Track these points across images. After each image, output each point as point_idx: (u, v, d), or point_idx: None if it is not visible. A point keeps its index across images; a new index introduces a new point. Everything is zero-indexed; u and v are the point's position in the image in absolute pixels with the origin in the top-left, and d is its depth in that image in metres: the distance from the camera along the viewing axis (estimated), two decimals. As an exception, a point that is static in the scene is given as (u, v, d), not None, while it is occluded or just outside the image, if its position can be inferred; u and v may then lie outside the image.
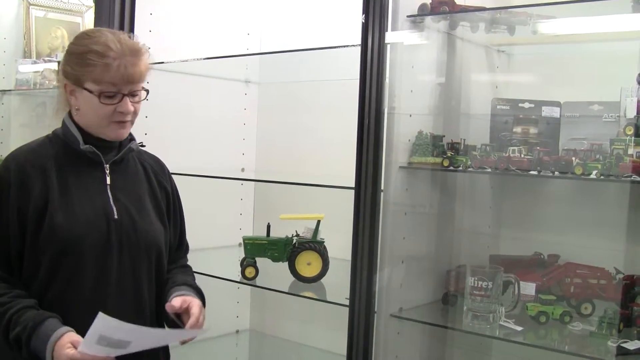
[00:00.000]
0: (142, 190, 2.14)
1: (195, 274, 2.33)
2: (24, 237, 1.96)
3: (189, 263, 2.35)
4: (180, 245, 2.29)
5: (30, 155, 2.04)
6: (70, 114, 2.07)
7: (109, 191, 2.05)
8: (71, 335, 1.85)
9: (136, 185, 2.14)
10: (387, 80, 2.34)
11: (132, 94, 2.00)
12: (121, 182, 2.09)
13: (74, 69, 1.99)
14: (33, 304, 1.92)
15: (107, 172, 2.07)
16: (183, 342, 2.03)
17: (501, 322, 2.38)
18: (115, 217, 2.03)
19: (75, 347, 1.81)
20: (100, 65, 1.93)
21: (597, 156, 2.23)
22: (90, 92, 1.97)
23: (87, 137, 2.05)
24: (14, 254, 1.97)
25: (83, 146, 2.03)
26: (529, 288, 2.44)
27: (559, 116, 2.50)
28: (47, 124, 3.76)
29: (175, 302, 2.01)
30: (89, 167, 2.05)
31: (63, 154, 2.04)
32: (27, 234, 1.95)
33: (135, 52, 1.97)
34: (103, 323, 1.75)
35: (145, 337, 1.88)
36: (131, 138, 2.15)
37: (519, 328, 2.35)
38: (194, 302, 2.04)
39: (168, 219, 2.20)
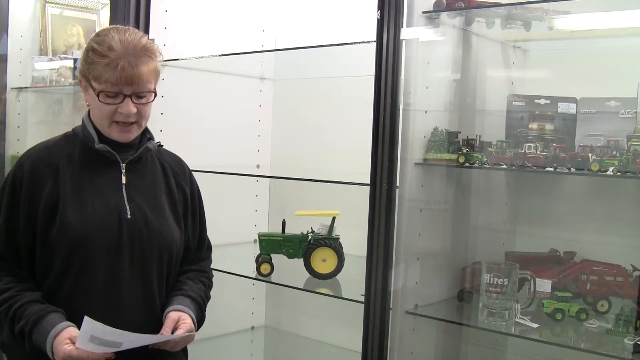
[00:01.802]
0: (159, 190, 2.15)
1: (212, 270, 2.35)
2: (35, 234, 1.98)
3: (211, 263, 2.36)
4: (200, 246, 2.30)
5: (45, 153, 2.05)
6: (89, 113, 2.08)
7: (123, 190, 2.06)
8: (70, 331, 1.88)
9: (153, 185, 2.14)
10: (402, 76, 2.33)
11: (137, 96, 2.00)
12: (137, 181, 2.10)
13: (82, 65, 2.02)
14: (38, 298, 1.95)
15: (123, 171, 2.08)
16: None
17: (517, 319, 2.38)
18: (128, 216, 2.03)
19: (73, 343, 1.84)
20: (102, 64, 1.94)
21: (614, 153, 2.21)
22: (94, 89, 1.98)
23: (104, 136, 2.06)
24: (24, 249, 1.99)
25: (98, 145, 2.04)
26: (544, 285, 2.43)
27: (575, 112, 2.49)
28: (63, 121, 3.82)
29: (167, 324, 2.02)
30: (104, 166, 2.06)
31: (79, 152, 2.06)
32: (38, 231, 1.97)
33: (139, 54, 1.97)
34: (90, 325, 1.80)
35: (131, 339, 1.89)
36: (150, 137, 2.16)
37: (535, 325, 2.34)
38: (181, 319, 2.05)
39: (185, 220, 2.20)
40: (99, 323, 1.81)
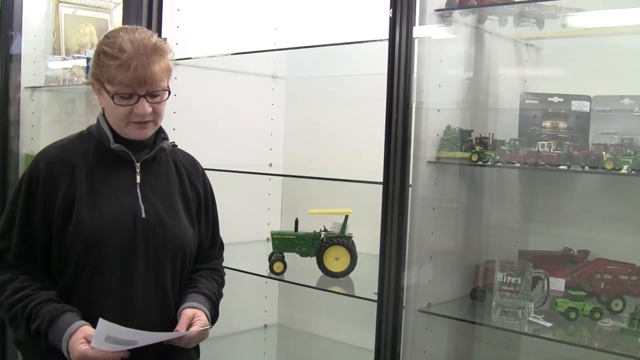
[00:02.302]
0: (173, 190, 2.15)
1: (224, 268, 2.35)
2: (50, 233, 1.98)
3: (224, 262, 2.37)
4: (213, 245, 2.31)
5: (60, 151, 2.06)
6: (104, 113, 2.09)
7: (138, 190, 2.07)
8: (85, 330, 1.88)
9: (167, 184, 2.15)
10: (414, 74, 2.33)
11: (151, 95, 2.00)
12: (151, 181, 2.11)
13: (95, 68, 2.02)
14: (54, 297, 1.96)
15: (138, 171, 2.08)
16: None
17: (530, 318, 2.37)
18: (143, 215, 2.04)
19: (88, 342, 1.84)
20: (113, 67, 1.94)
21: (628, 151, 2.20)
22: (108, 92, 1.98)
23: (119, 135, 2.06)
24: (40, 248, 2.00)
25: (113, 144, 2.04)
26: (558, 284, 2.43)
27: (588, 110, 2.47)
28: (77, 120, 3.83)
29: (182, 321, 2.03)
30: (119, 166, 2.07)
31: (94, 152, 2.06)
32: (54, 230, 1.98)
33: (150, 53, 1.97)
34: (105, 326, 1.80)
35: (146, 336, 1.90)
36: (164, 137, 2.16)
37: (549, 324, 2.34)
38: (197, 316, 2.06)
39: (199, 219, 2.21)
40: (114, 324, 1.81)
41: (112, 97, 1.97)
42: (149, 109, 1.99)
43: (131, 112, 1.99)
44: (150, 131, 2.07)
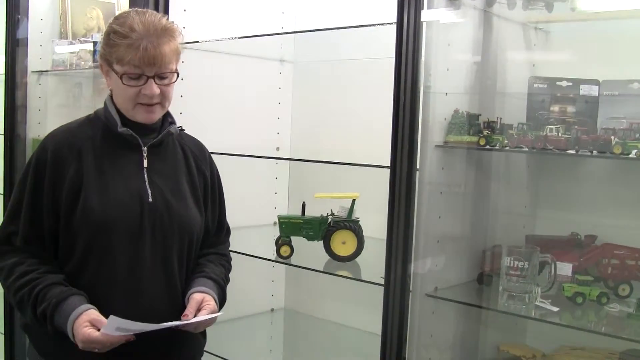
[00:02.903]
0: (180, 174, 2.15)
1: (231, 253, 2.36)
2: (58, 217, 1.99)
3: (230, 246, 2.37)
4: (219, 230, 2.31)
5: (68, 135, 2.06)
6: (111, 96, 2.09)
7: (145, 174, 2.07)
8: (90, 314, 1.89)
9: (174, 168, 2.15)
10: (422, 58, 2.32)
11: (159, 77, 1.99)
12: (159, 165, 2.11)
13: (104, 49, 2.01)
14: (60, 280, 1.96)
15: (145, 155, 2.08)
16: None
17: (537, 303, 2.37)
18: (150, 200, 2.04)
19: (93, 325, 1.85)
20: (123, 46, 1.94)
21: (637, 135, 2.19)
22: (116, 73, 1.98)
23: (127, 119, 2.06)
24: (48, 232, 2.00)
25: (121, 128, 2.04)
26: (565, 269, 2.43)
27: (597, 94, 2.46)
28: (84, 104, 3.83)
29: (191, 306, 2.03)
30: (126, 150, 2.07)
31: (101, 136, 2.06)
32: (62, 214, 1.98)
33: (160, 34, 1.96)
34: (115, 322, 1.81)
35: (156, 327, 1.91)
36: (172, 121, 2.16)
37: (555, 309, 2.34)
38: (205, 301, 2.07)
39: (205, 204, 2.21)
40: (125, 319, 1.82)
41: (121, 78, 1.97)
42: (156, 91, 1.98)
43: (139, 93, 1.98)
44: (157, 114, 2.07)
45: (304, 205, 2.96)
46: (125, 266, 2.00)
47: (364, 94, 3.18)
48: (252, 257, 2.93)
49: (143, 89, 1.98)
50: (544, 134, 2.34)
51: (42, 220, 2.00)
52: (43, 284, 1.94)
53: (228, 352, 3.05)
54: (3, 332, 3.82)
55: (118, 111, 2.07)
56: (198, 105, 3.11)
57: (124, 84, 1.97)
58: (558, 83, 2.53)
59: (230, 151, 2.96)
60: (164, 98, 2.03)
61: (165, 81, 2.01)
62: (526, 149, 2.39)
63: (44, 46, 3.89)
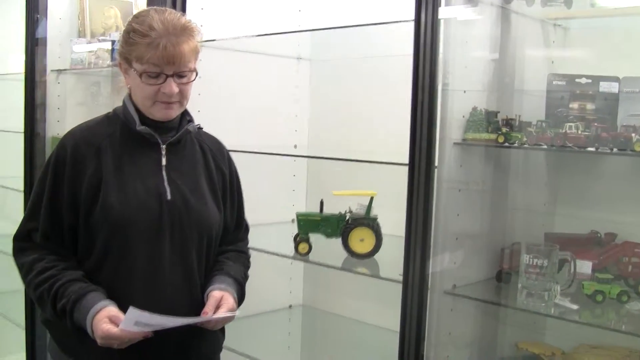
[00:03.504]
0: (199, 172, 2.16)
1: (249, 250, 2.36)
2: (77, 214, 2.00)
3: (249, 244, 2.38)
4: (238, 227, 2.32)
5: (87, 133, 2.07)
6: (130, 95, 2.10)
7: (164, 172, 2.08)
8: (109, 310, 1.90)
9: (192, 167, 2.15)
10: (440, 56, 2.31)
11: (178, 75, 2.00)
12: (177, 163, 2.11)
13: (123, 47, 2.02)
14: (79, 277, 1.98)
15: (164, 153, 2.09)
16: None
17: (556, 301, 2.36)
18: (169, 198, 2.05)
19: (112, 322, 1.86)
20: (143, 45, 1.95)
21: (658, 133, 2.18)
22: (135, 71, 1.99)
23: (145, 117, 2.07)
24: (68, 229, 2.02)
25: (139, 127, 2.05)
26: (585, 266, 2.41)
27: (617, 91, 2.44)
28: (102, 103, 3.85)
29: (210, 303, 2.04)
30: (145, 148, 2.08)
31: (120, 134, 2.07)
32: (81, 212, 1.99)
33: (179, 33, 1.97)
34: (135, 314, 1.82)
35: (175, 321, 1.91)
36: (190, 119, 2.17)
37: (575, 307, 2.32)
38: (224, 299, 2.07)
39: (224, 202, 2.21)
40: (144, 311, 1.83)
41: (140, 76, 1.97)
42: (176, 89, 1.99)
43: (158, 91, 1.99)
44: (175, 112, 2.08)
45: (322, 203, 2.96)
46: (144, 264, 2.01)
47: (382, 92, 3.17)
48: (270, 254, 2.94)
49: (162, 87, 1.98)
50: (563, 131, 2.32)
51: (62, 218, 2.01)
52: (62, 280, 1.95)
53: (246, 348, 3.06)
54: (24, 327, 3.85)
55: (137, 109, 2.08)
56: (215, 103, 3.11)
57: (143, 82, 1.98)
58: (577, 80, 2.51)
59: (248, 149, 2.97)
60: (182, 96, 2.04)
61: (184, 80, 2.02)
62: (545, 146, 2.38)
63: (63, 45, 3.92)
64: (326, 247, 2.92)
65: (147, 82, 1.98)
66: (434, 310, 2.41)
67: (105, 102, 3.86)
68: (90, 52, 3.73)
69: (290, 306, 3.71)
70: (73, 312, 1.92)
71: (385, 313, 2.90)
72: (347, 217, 2.87)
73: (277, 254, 2.99)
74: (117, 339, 1.86)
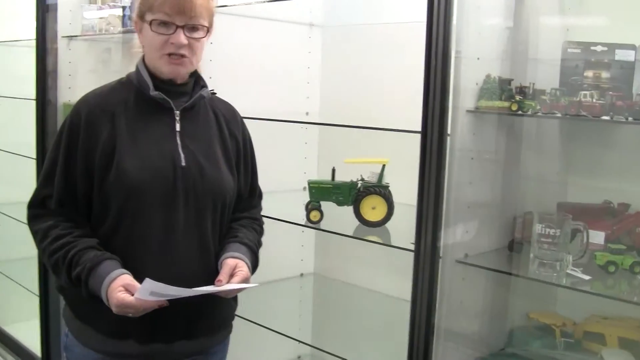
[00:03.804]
0: (212, 138, 2.15)
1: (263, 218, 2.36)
2: (91, 180, 2.00)
3: (262, 210, 2.39)
4: (251, 194, 2.32)
5: (101, 99, 2.07)
6: (143, 60, 2.09)
7: (177, 138, 2.07)
8: (124, 278, 1.91)
9: (206, 132, 2.15)
10: (454, 22, 2.28)
11: (189, 28, 1.99)
12: (191, 129, 2.11)
13: (139, 2, 2.01)
14: (94, 244, 1.98)
15: (177, 118, 2.09)
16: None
17: (568, 271, 2.34)
18: (183, 164, 2.05)
19: (127, 290, 1.87)
20: None
21: (674, 101, 2.15)
22: (147, 23, 1.98)
23: (158, 83, 2.06)
24: (82, 196, 2.02)
25: (153, 92, 2.04)
26: (597, 237, 2.40)
27: (633, 60, 2.41)
28: (112, 70, 3.84)
29: (224, 271, 2.05)
30: (159, 114, 2.07)
31: (134, 99, 2.07)
32: (95, 178, 1.99)
33: None
34: (150, 284, 1.82)
35: (189, 292, 1.92)
36: (203, 85, 2.16)
37: (587, 277, 2.31)
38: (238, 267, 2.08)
39: (238, 168, 2.21)
40: (160, 283, 1.84)
41: (150, 24, 1.97)
42: (184, 41, 1.99)
43: (167, 42, 1.99)
44: (184, 69, 2.07)
45: (333, 170, 2.95)
46: (158, 230, 2.01)
47: (394, 59, 3.14)
48: (281, 222, 2.94)
49: (171, 38, 1.98)
50: (578, 99, 2.30)
51: (76, 184, 2.02)
52: (77, 247, 1.96)
53: (257, 316, 3.08)
54: (38, 294, 3.89)
55: (150, 75, 2.07)
56: (227, 70, 3.09)
57: (152, 30, 1.98)
58: (592, 48, 2.48)
59: (259, 115, 2.95)
60: (191, 52, 2.03)
61: (195, 34, 2.02)
62: (559, 114, 2.35)
63: (74, 11, 3.90)
64: (338, 215, 2.92)
65: (157, 31, 1.98)
66: (445, 279, 2.41)
67: (116, 69, 3.85)
68: (101, 18, 3.72)
69: (301, 274, 3.72)
70: (88, 280, 1.93)
71: (396, 282, 2.90)
72: (358, 185, 2.86)
73: (288, 222, 2.99)
74: (132, 308, 1.87)
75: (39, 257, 3.68)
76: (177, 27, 1.98)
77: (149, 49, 2.05)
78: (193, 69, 2.12)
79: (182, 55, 2.02)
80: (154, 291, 1.85)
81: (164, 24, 1.98)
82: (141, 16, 2.03)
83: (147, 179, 2.00)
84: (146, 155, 2.02)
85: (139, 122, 2.06)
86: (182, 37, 1.99)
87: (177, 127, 2.10)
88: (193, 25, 2.00)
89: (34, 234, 2.07)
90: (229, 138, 2.20)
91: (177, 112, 2.09)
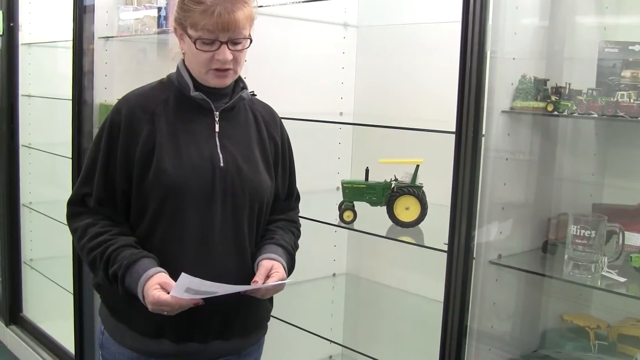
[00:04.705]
0: (251, 139, 2.16)
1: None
2: (131, 179, 2.02)
3: (299, 213, 2.40)
4: (289, 196, 2.32)
5: (142, 99, 2.09)
6: (184, 61, 2.11)
7: (217, 139, 2.09)
8: (161, 276, 1.92)
9: (245, 134, 2.16)
10: (490, 22, 2.27)
11: (233, 42, 2.00)
12: (230, 130, 2.12)
13: (178, 13, 2.02)
14: (132, 242, 2.00)
15: (217, 119, 2.10)
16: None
17: (603, 273, 2.32)
18: (221, 164, 2.06)
19: (163, 288, 1.88)
20: (198, 11, 1.95)
21: None
22: (190, 37, 1.99)
23: (199, 83, 2.08)
24: (121, 194, 2.04)
25: (193, 92, 2.06)
26: (634, 239, 2.37)
27: (672, 60, 2.38)
28: (148, 70, 3.88)
29: (260, 272, 2.05)
30: (199, 114, 2.09)
31: (174, 99, 2.09)
32: (134, 177, 2.02)
33: (234, 0, 1.96)
34: (187, 280, 1.83)
35: (225, 289, 1.92)
36: (243, 86, 2.17)
37: (622, 279, 2.28)
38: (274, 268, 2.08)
39: (276, 170, 2.22)
40: (196, 278, 1.85)
41: (194, 42, 1.98)
42: (229, 56, 2.00)
43: (212, 58, 2.00)
44: (229, 79, 2.08)
45: (367, 170, 2.95)
46: (196, 230, 2.03)
47: (429, 59, 3.14)
48: (315, 222, 2.94)
49: (216, 54, 1.99)
50: (615, 100, 2.27)
51: (115, 182, 2.04)
52: (115, 245, 1.98)
53: (289, 315, 3.08)
54: (72, 293, 3.93)
55: (190, 75, 2.09)
56: (261, 70, 3.10)
57: (197, 49, 1.99)
58: (630, 47, 2.45)
59: (294, 115, 2.96)
60: (236, 63, 2.04)
61: (239, 47, 2.02)
62: (596, 115, 2.33)
63: (110, 12, 3.94)
64: (371, 216, 2.92)
65: (202, 49, 1.99)
66: (478, 280, 2.39)
67: (151, 69, 3.88)
68: (136, 19, 3.75)
69: (334, 274, 3.72)
70: (125, 277, 1.95)
71: (429, 282, 2.89)
72: (392, 185, 2.86)
73: (321, 222, 2.99)
74: (168, 306, 1.88)
75: (73, 255, 3.73)
76: (221, 43, 1.99)
77: (194, 63, 2.06)
78: (237, 76, 2.13)
79: (228, 69, 2.04)
80: (190, 287, 1.86)
81: (208, 41, 1.99)
82: (182, 27, 2.03)
83: (186, 178, 2.01)
84: (185, 154, 2.04)
85: (179, 122, 2.07)
86: (227, 54, 2.00)
87: (217, 127, 2.11)
88: (236, 38, 2.01)
89: (73, 231, 2.10)
90: (267, 140, 2.21)
91: (217, 113, 2.11)
